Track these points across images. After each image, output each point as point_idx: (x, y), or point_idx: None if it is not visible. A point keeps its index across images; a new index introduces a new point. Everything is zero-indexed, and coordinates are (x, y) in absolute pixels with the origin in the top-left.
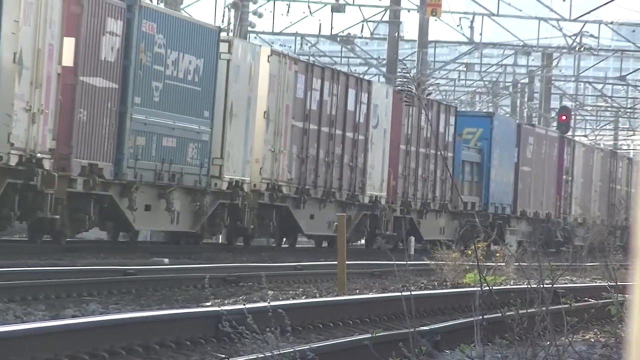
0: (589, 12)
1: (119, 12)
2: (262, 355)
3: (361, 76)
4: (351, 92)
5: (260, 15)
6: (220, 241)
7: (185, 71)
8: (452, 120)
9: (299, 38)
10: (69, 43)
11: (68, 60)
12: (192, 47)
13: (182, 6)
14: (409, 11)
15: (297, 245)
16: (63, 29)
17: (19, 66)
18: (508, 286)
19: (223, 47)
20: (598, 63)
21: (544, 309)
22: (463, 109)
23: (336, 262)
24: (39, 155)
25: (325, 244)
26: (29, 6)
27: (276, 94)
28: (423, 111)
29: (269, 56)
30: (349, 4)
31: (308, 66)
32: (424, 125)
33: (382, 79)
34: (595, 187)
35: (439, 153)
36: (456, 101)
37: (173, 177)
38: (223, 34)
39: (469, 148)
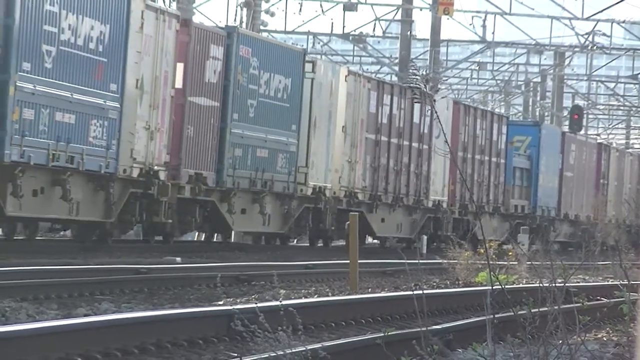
0: (601, 11)
1: (220, 39)
2: (274, 354)
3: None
4: (416, 106)
5: (272, 14)
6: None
7: (276, 89)
8: (504, 129)
9: (311, 37)
10: (180, 68)
11: (178, 83)
12: (281, 68)
13: (194, 5)
14: (421, 10)
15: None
16: (176, 55)
17: (140, 91)
18: (520, 285)
19: (308, 67)
20: (610, 62)
21: (556, 307)
22: (381, 81)
23: (348, 261)
24: (155, 167)
25: (387, 244)
26: (149, 39)
27: (352, 109)
28: (479, 120)
29: (346, 75)
30: (361, 3)
31: (379, 84)
32: (479, 134)
33: (394, 78)
34: (625, 189)
35: (493, 159)
36: (468, 100)
37: (265, 184)
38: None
39: (519, 155)
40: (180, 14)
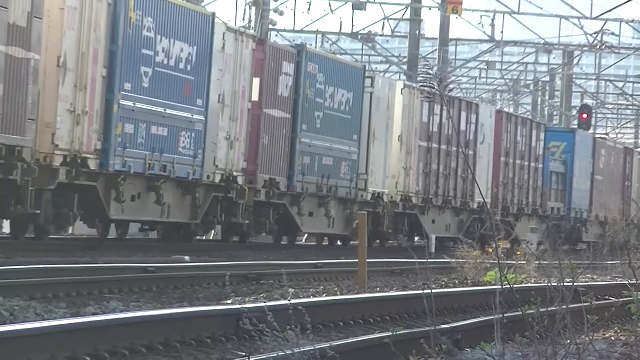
0: (610, 11)
1: (291, 56)
2: (283, 353)
3: (471, 100)
4: (463, 115)
5: (281, 14)
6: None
7: (339, 103)
8: (542, 135)
9: (320, 36)
10: (256, 83)
11: (255, 96)
12: (344, 83)
13: (203, 4)
14: (430, 9)
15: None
16: (252, 72)
17: (222, 105)
18: (529, 284)
19: (367, 82)
20: (619, 61)
21: (564, 307)
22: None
23: (357, 261)
24: (235, 173)
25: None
26: (229, 57)
27: (407, 120)
28: (519, 127)
29: (402, 89)
30: (370, 2)
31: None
32: (519, 140)
33: (403, 77)
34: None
35: (532, 164)
36: (477, 99)
37: (330, 189)
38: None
39: (555, 160)
40: (256, 35)
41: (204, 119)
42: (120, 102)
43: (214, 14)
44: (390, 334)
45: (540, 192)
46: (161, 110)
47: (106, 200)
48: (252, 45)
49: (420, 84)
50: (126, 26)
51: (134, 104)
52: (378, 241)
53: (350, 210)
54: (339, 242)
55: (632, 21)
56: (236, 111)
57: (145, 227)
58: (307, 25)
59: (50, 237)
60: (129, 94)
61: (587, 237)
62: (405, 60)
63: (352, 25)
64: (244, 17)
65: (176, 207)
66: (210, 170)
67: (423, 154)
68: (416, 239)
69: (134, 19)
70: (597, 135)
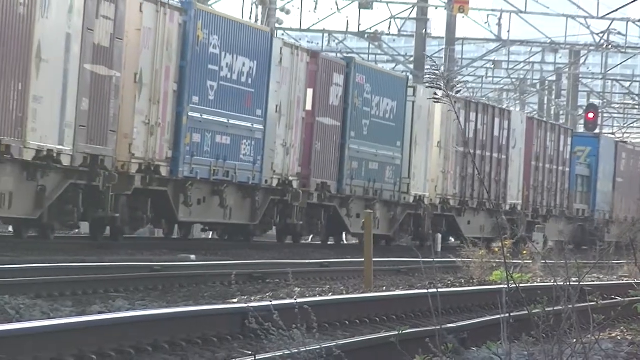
0: (616, 10)
1: (341, 68)
2: (289, 352)
3: (502, 107)
4: (496, 121)
5: (287, 12)
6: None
7: (384, 111)
8: (569, 140)
9: (326, 35)
10: (310, 93)
11: (309, 106)
12: (388, 92)
13: (210, 2)
14: (436, 8)
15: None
16: (306, 83)
17: (279, 114)
18: (535, 284)
19: (410, 91)
20: (626, 61)
21: (570, 306)
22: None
23: (362, 260)
24: (290, 178)
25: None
26: (286, 70)
27: (445, 127)
28: (548, 133)
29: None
30: (377, 1)
31: (467, 103)
32: (549, 145)
33: (410, 76)
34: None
35: (559, 168)
36: (483, 98)
37: (376, 192)
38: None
39: (580, 164)
40: (309, 49)
41: (262, 127)
42: (189, 114)
43: (272, 30)
44: (396, 333)
45: (567, 194)
46: (225, 120)
47: (175, 204)
48: (306, 58)
49: (427, 83)
50: (194, 44)
51: (201, 115)
52: (418, 242)
53: (393, 212)
54: (383, 242)
55: (639, 21)
56: (292, 120)
57: (205, 228)
58: (313, 24)
59: (56, 235)
60: (197, 106)
61: (609, 237)
62: (412, 59)
63: (359, 24)
64: (250, 16)
65: (237, 210)
66: (268, 175)
67: (459, 159)
68: (451, 239)
69: (202, 37)
70: (617, 139)
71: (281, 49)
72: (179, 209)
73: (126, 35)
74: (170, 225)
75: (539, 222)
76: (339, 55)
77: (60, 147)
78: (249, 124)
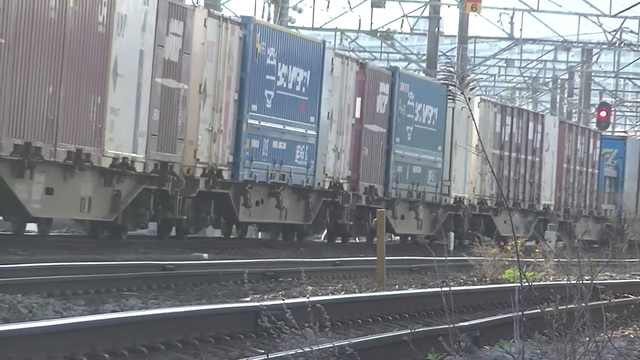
0: (629, 8)
1: (387, 77)
2: (301, 351)
3: (536, 111)
4: (530, 125)
5: (300, 11)
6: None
7: (426, 117)
8: (597, 143)
9: (338, 33)
10: (358, 101)
11: (357, 113)
12: (430, 99)
13: (222, 1)
14: (449, 6)
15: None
16: (355, 92)
17: (330, 121)
18: (547, 282)
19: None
20: (638, 59)
21: (583, 305)
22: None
23: (375, 258)
24: (340, 181)
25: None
26: (337, 79)
27: (483, 130)
28: (579, 136)
29: (478, 102)
30: (389, 0)
31: (503, 108)
32: (579, 148)
33: (422, 74)
34: None
35: (589, 170)
36: (496, 97)
37: (419, 194)
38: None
39: (608, 165)
40: (358, 59)
41: (315, 133)
42: (248, 121)
43: (324, 42)
44: (409, 331)
45: (596, 195)
46: (281, 127)
47: (236, 205)
48: (356, 68)
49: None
50: (253, 56)
51: (259, 122)
52: (458, 241)
53: (435, 213)
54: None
55: None
56: (342, 126)
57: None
58: (325, 23)
59: (66, 234)
60: (255, 114)
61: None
62: (424, 57)
63: (371, 23)
64: (262, 15)
65: (292, 211)
66: (320, 178)
67: (496, 161)
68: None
69: (260, 49)
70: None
71: (332, 59)
72: (239, 210)
73: (192, 49)
74: (230, 225)
75: (570, 221)
76: (351, 53)
77: (134, 154)
78: (303, 130)
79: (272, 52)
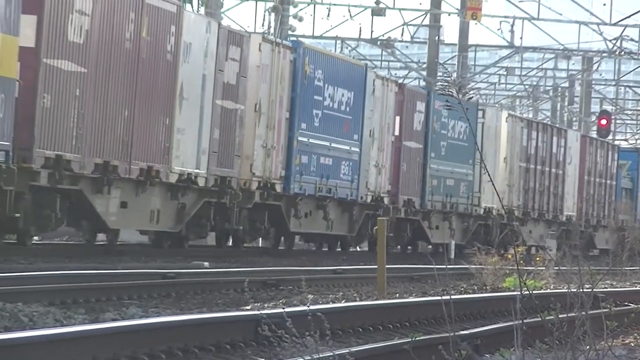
0: (629, 16)
1: (423, 97)
2: (302, 359)
3: (557, 125)
4: (554, 139)
5: (300, 19)
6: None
7: (459, 133)
8: (615, 156)
9: (339, 42)
10: (397, 120)
11: (397, 131)
12: (462, 116)
13: (222, 10)
14: (449, 15)
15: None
16: (395, 111)
17: (372, 139)
18: (548, 290)
19: (480, 114)
20: (638, 67)
21: (583, 313)
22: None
23: (376, 266)
24: (381, 194)
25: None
26: (377, 100)
27: (510, 144)
28: (599, 149)
29: (506, 117)
30: (390, 8)
31: (529, 123)
32: (599, 161)
33: (422, 83)
34: None
35: (607, 182)
36: (496, 105)
37: (452, 206)
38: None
39: (624, 177)
40: (397, 80)
41: (359, 150)
42: (298, 138)
43: (366, 65)
44: (410, 339)
45: (613, 205)
46: (327, 144)
47: (287, 216)
48: (395, 89)
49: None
50: (303, 77)
51: (308, 139)
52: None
53: (467, 223)
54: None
55: None
56: (382, 143)
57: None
58: (326, 31)
59: (68, 242)
60: (305, 132)
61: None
62: (425, 66)
63: (372, 31)
64: (263, 23)
65: (337, 222)
66: (363, 192)
67: (523, 173)
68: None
69: (308, 71)
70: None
71: (374, 80)
72: (290, 221)
73: (248, 72)
74: (278, 236)
75: (590, 231)
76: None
77: (197, 170)
78: (348, 147)
79: (319, 74)
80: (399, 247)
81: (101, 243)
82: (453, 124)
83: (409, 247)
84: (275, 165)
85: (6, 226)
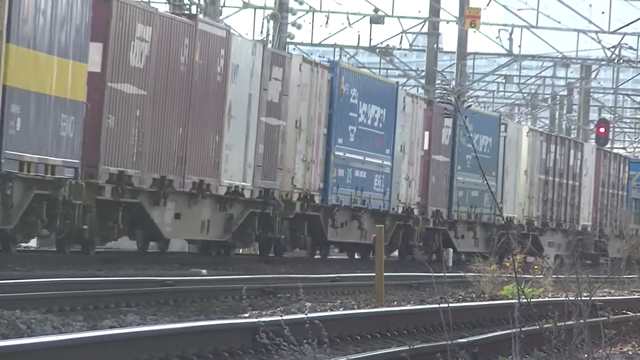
0: (628, 25)
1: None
2: None
3: (575, 139)
4: (571, 152)
5: (299, 27)
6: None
7: (483, 146)
8: (626, 167)
9: (337, 49)
10: (426, 135)
11: (426, 145)
12: (486, 130)
13: (221, 17)
14: (448, 23)
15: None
16: (424, 126)
17: (402, 153)
18: (546, 298)
19: (502, 128)
20: (637, 75)
21: (581, 321)
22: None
23: (374, 274)
24: (411, 206)
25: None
26: (408, 116)
27: (531, 157)
28: (612, 161)
29: (527, 132)
30: (388, 16)
31: (548, 137)
32: (611, 172)
33: (421, 91)
34: None
35: (619, 192)
36: (495, 113)
37: (477, 216)
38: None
39: (634, 187)
40: (427, 97)
41: (390, 164)
42: (335, 153)
43: (397, 83)
44: (408, 347)
45: (624, 215)
46: (362, 158)
47: (325, 226)
48: (424, 106)
49: (438, 98)
50: (339, 96)
51: (344, 154)
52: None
53: (490, 232)
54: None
55: None
56: (412, 157)
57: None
58: (325, 39)
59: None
60: (341, 147)
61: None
62: (423, 74)
63: (370, 39)
64: (261, 31)
65: (371, 232)
66: (394, 204)
67: (542, 185)
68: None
69: (344, 90)
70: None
71: (404, 98)
72: (328, 231)
73: (289, 91)
74: (314, 246)
75: (603, 240)
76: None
77: (244, 183)
78: (380, 161)
79: (354, 92)
80: (426, 256)
81: (153, 251)
82: (478, 138)
83: (434, 255)
84: (314, 178)
85: (74, 237)
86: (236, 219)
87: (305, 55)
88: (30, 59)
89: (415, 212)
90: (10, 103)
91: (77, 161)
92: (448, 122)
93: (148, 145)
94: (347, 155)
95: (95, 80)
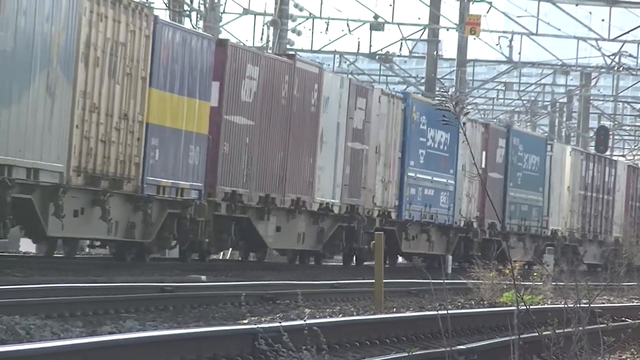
0: (628, 32)
1: (503, 134)
2: None
3: (610, 158)
4: (607, 169)
5: (299, 34)
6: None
7: (531, 164)
8: None
9: (337, 56)
10: (483, 155)
11: (483, 164)
12: (534, 149)
13: (221, 23)
14: (447, 30)
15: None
16: (481, 147)
17: (463, 172)
18: (545, 305)
19: (548, 147)
20: (637, 83)
21: (580, 328)
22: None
23: (373, 281)
24: (471, 220)
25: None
26: (468, 139)
27: (572, 174)
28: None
29: (570, 151)
30: (388, 22)
31: (587, 155)
32: (638, 187)
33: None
34: None
35: None
36: (494, 120)
37: (526, 228)
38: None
39: None
40: (484, 122)
41: (453, 182)
42: (408, 174)
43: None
44: (406, 354)
45: None
46: (430, 177)
47: (399, 239)
48: (481, 129)
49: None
50: (410, 123)
51: (415, 174)
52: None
53: (537, 243)
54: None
55: None
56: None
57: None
58: (324, 45)
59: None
60: (413, 168)
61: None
62: (423, 80)
63: (370, 46)
64: (261, 37)
65: (437, 243)
66: (457, 218)
67: (581, 199)
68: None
69: (415, 117)
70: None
71: (464, 123)
72: (402, 243)
73: (371, 119)
74: (387, 255)
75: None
76: (352, 76)
77: (333, 200)
78: (445, 180)
79: (423, 119)
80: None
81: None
82: (527, 157)
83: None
84: (390, 196)
85: (195, 248)
86: (327, 232)
87: (382, 89)
88: (166, 100)
89: (474, 225)
90: (151, 137)
91: (200, 184)
92: (502, 142)
93: (255, 168)
94: (418, 175)
95: (214, 114)
